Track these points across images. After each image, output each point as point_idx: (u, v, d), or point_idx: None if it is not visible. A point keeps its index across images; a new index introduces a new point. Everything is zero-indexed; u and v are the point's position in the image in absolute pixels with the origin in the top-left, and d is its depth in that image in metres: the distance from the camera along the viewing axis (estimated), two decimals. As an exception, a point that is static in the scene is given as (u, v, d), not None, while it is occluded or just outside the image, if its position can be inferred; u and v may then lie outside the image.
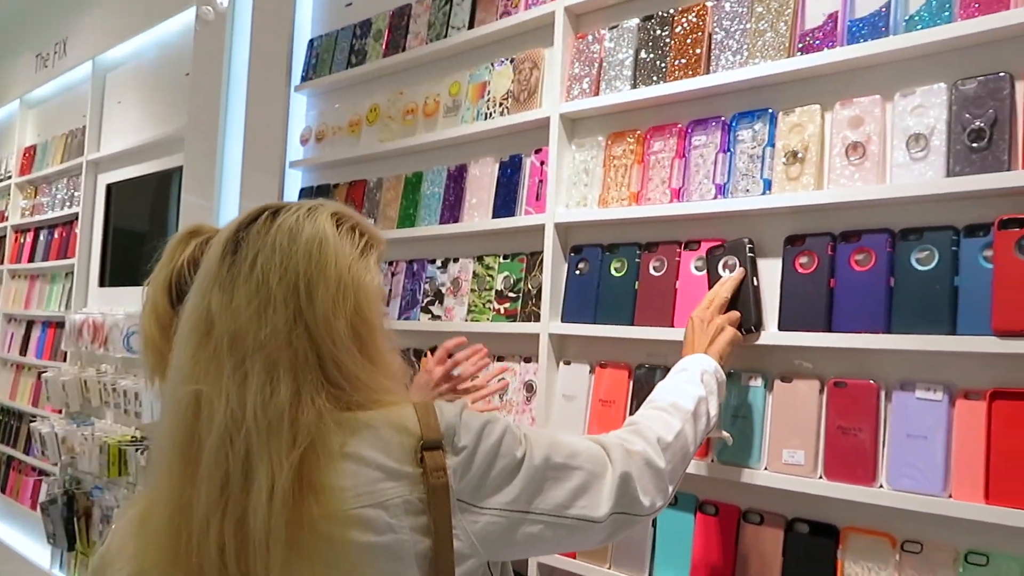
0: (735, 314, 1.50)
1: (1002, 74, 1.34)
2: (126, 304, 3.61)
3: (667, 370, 1.69)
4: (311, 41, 2.83)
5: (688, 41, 1.74)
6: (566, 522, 0.97)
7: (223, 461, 0.83)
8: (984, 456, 1.29)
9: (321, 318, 0.87)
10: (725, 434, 1.51)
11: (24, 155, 4.89)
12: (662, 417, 1.22)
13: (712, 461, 1.60)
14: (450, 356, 1.67)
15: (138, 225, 3.93)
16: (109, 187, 4.05)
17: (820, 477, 1.46)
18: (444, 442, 0.89)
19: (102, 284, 4.01)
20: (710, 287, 1.59)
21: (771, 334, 1.54)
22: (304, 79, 2.80)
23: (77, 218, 4.16)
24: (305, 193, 2.73)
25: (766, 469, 1.53)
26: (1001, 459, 1.27)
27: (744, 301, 1.54)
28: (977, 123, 1.35)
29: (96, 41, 4.17)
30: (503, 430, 0.95)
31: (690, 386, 1.30)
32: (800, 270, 1.53)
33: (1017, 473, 1.25)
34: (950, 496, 1.32)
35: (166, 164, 3.65)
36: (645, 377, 1.74)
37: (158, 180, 3.72)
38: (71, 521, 3.63)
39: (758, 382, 1.57)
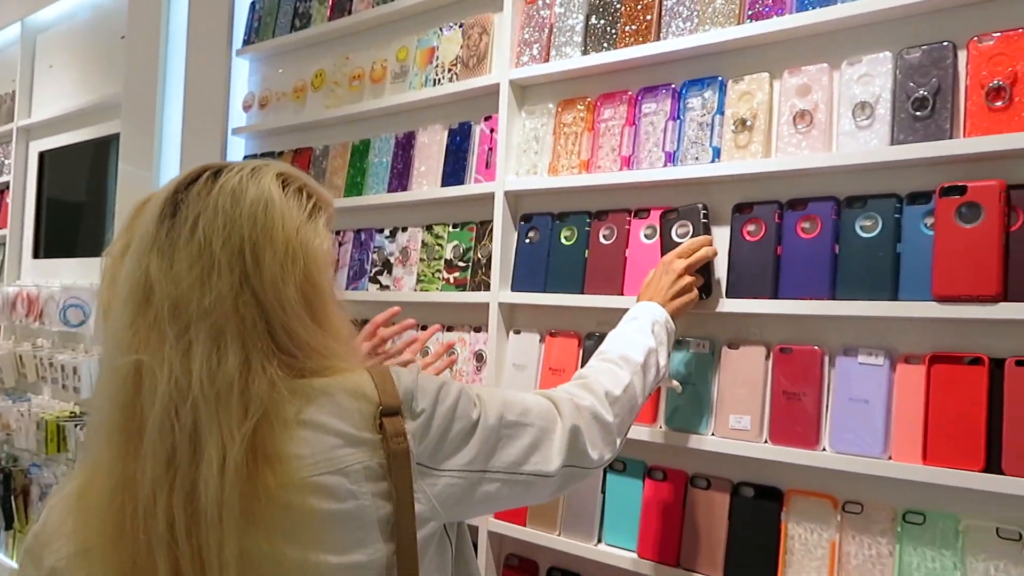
0: (702, 279, 1.50)
1: (945, 43, 1.36)
2: (63, 276, 3.48)
3: (617, 338, 1.70)
4: (253, 3, 2.74)
5: (639, 7, 1.73)
6: (521, 478, 0.98)
7: (168, 433, 0.79)
8: (922, 419, 1.32)
9: (269, 284, 0.84)
10: (675, 383, 1.52)
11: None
12: (611, 370, 1.23)
13: (661, 427, 1.61)
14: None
15: (75, 195, 3.78)
16: (42, 155, 3.88)
17: (765, 441, 1.48)
18: (403, 407, 0.88)
19: (36, 256, 3.85)
20: (663, 253, 1.59)
21: (719, 301, 1.55)
22: (246, 43, 2.71)
23: (8, 187, 3.98)
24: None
25: (713, 435, 1.55)
26: (938, 421, 1.31)
27: (701, 268, 1.55)
28: (921, 92, 1.36)
29: (24, 1, 3.96)
30: (458, 393, 0.95)
31: (640, 336, 1.31)
32: (748, 238, 1.54)
33: (952, 434, 1.29)
34: (890, 458, 1.35)
35: (103, 131, 3.50)
36: (595, 346, 1.73)
37: (95, 148, 3.57)
38: (8, 500, 3.52)
39: (706, 349, 1.59)
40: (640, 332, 1.32)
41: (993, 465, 1.25)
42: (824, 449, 1.42)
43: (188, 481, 0.78)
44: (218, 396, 0.79)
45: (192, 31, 2.91)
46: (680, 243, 1.53)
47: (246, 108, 2.67)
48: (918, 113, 1.36)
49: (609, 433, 1.13)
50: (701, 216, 1.56)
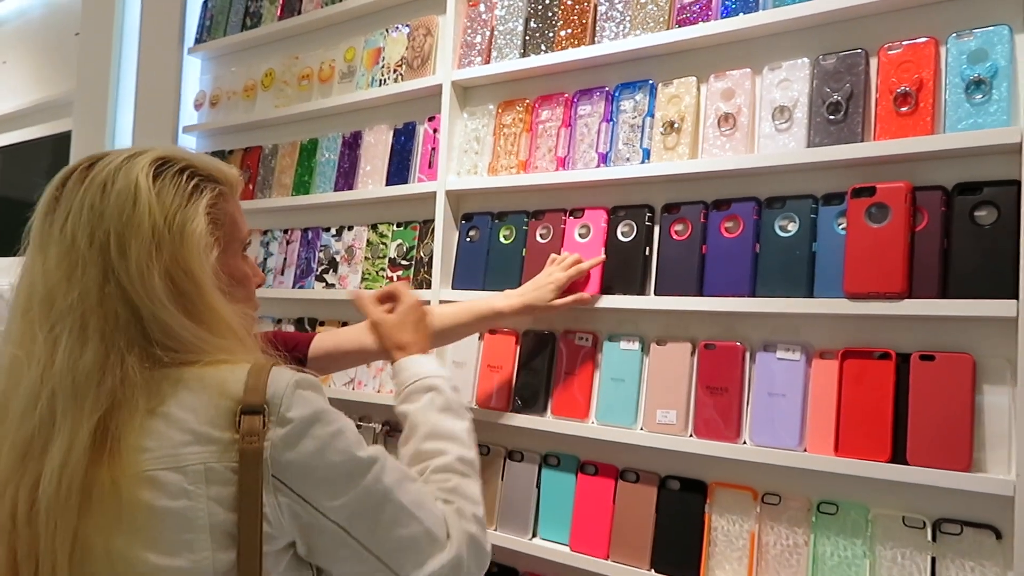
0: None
1: (858, 50, 1.41)
2: (11, 276, 3.44)
3: (553, 336, 1.74)
4: (205, 1, 2.74)
5: (574, 12, 1.76)
6: (380, 567, 0.90)
7: (27, 426, 0.80)
8: (835, 412, 1.37)
9: (135, 274, 0.83)
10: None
11: (-98, 117, 4.57)
12: (470, 487, 1.08)
13: (593, 423, 1.65)
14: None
15: (28, 194, 3.73)
16: (-5, 151, 3.84)
17: (690, 435, 1.52)
18: (268, 408, 0.82)
19: (-11, 254, 3.80)
20: (606, 248, 1.64)
21: (648, 299, 1.59)
22: (198, 41, 2.71)
23: (-40, 184, 3.93)
24: (199, 159, 2.65)
25: (642, 429, 1.58)
26: (849, 414, 1.35)
27: (632, 266, 1.60)
28: (835, 96, 1.41)
29: (-23, -4, 3.92)
30: (345, 426, 0.89)
31: (462, 423, 1.18)
32: (675, 237, 1.58)
33: (862, 427, 1.33)
34: (805, 450, 1.40)
35: (56, 128, 3.47)
36: (532, 343, 1.77)
37: (53, 144, 3.54)
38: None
39: (635, 345, 1.63)
40: (460, 416, 1.20)
41: (899, 456, 1.30)
42: (745, 442, 1.46)
43: (35, 471, 0.79)
44: (75, 388, 0.80)
45: (144, 29, 2.91)
46: (624, 242, 1.61)
47: (197, 106, 2.67)
48: (832, 117, 1.41)
49: (483, 558, 1.01)
50: (646, 218, 1.60)
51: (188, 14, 2.77)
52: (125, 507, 0.79)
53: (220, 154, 2.57)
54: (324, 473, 0.85)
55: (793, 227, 1.44)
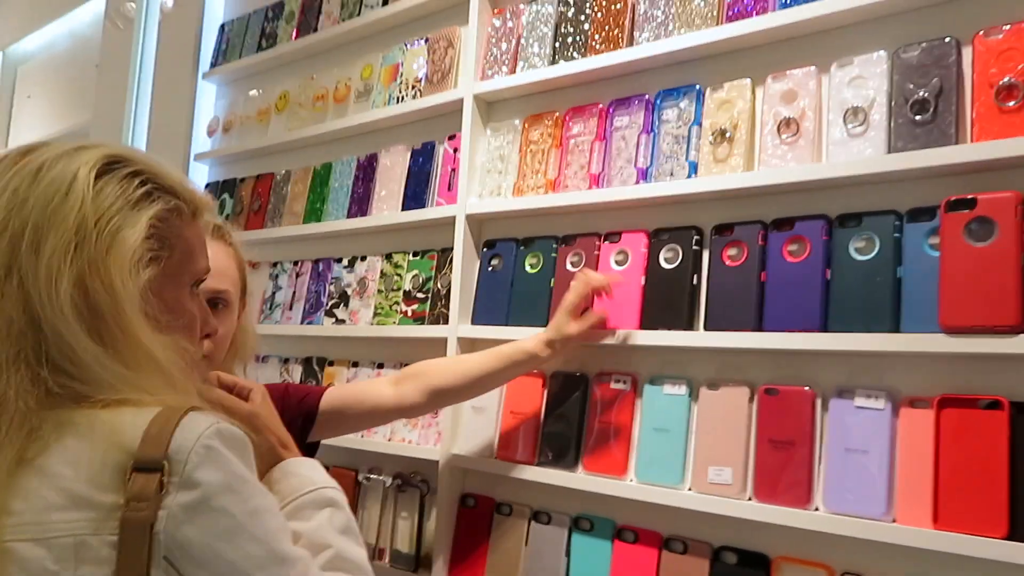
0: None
1: (947, 39, 1.18)
2: None
3: (586, 379, 1.51)
4: (222, 26, 2.62)
5: (610, 14, 1.57)
6: None
7: None
8: (932, 473, 1.11)
9: (43, 276, 0.67)
10: None
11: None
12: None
13: (631, 481, 1.40)
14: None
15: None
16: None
17: (750, 498, 1.27)
18: (170, 465, 0.64)
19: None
20: (647, 276, 1.44)
21: (696, 335, 1.36)
22: (213, 65, 2.59)
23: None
24: (210, 188, 2.50)
25: (690, 490, 1.34)
26: (951, 477, 1.10)
27: (677, 297, 1.37)
28: (921, 93, 1.19)
29: (5, 32, 3.90)
30: (269, 504, 0.70)
31: (362, 550, 0.89)
32: (729, 263, 1.35)
33: (968, 493, 1.08)
34: (894, 520, 1.14)
35: (76, 162, 3.39)
36: (562, 386, 1.54)
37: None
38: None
39: (682, 390, 1.39)
40: (359, 542, 0.90)
41: (1019, 531, 1.03)
42: (817, 509, 1.21)
43: None
44: None
45: (161, 56, 2.81)
46: (667, 269, 1.41)
47: (210, 133, 2.54)
48: (918, 117, 1.18)
49: None
50: (692, 241, 1.39)
51: (205, 40, 2.66)
52: None
53: (231, 183, 2.42)
54: (229, 567, 0.65)
55: (872, 249, 1.21)
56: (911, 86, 1.20)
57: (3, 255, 0.69)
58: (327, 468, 0.94)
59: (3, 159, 0.75)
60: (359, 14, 2.11)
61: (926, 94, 1.18)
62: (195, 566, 0.63)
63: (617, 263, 1.50)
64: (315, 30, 2.24)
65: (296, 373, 2.07)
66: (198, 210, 0.82)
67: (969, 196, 1.10)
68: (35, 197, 0.70)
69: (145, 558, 0.62)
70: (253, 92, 2.45)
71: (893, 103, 1.22)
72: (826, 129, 1.29)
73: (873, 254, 1.21)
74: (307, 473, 0.91)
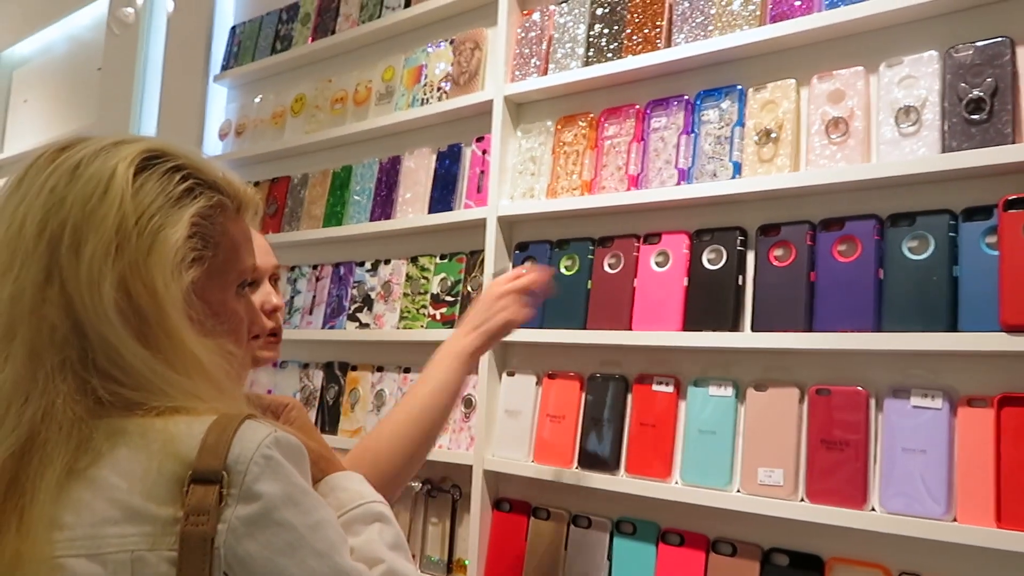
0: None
1: (1001, 38, 1.19)
2: None
3: (625, 381, 1.50)
4: (233, 28, 2.59)
5: (647, 13, 1.57)
6: None
7: None
8: (993, 472, 1.11)
9: (84, 279, 0.64)
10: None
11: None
12: None
13: (676, 483, 1.39)
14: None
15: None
16: (13, 192, 3.70)
17: (801, 500, 1.26)
18: (229, 477, 0.61)
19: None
20: (689, 277, 1.42)
21: (743, 336, 1.35)
22: (224, 68, 2.55)
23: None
24: (223, 192, 2.47)
25: (739, 491, 1.33)
26: (1013, 475, 1.09)
27: (722, 297, 1.36)
28: (975, 92, 1.19)
29: (1, 35, 3.83)
30: (328, 517, 0.68)
31: (414, 567, 0.89)
32: (775, 263, 1.35)
33: (1033, 491, 1.07)
34: (954, 520, 1.14)
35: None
36: (600, 389, 1.53)
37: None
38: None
39: (728, 391, 1.38)
40: (409, 557, 0.87)
41: (1085, 529, 1.03)
42: (873, 509, 1.20)
43: None
44: None
45: (169, 58, 2.77)
46: (711, 270, 1.37)
47: (222, 136, 2.50)
48: (974, 117, 1.18)
49: None
50: (737, 242, 1.38)
51: (215, 42, 2.62)
52: None
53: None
54: None
55: (927, 248, 1.21)
56: (964, 85, 1.20)
57: (43, 257, 0.66)
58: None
59: (40, 156, 0.72)
60: (380, 16, 2.09)
61: (981, 93, 1.18)
62: None
63: (657, 264, 1.49)
64: (333, 32, 2.22)
65: (317, 378, 2.04)
66: (243, 205, 0.78)
67: (1028, 194, 1.11)
68: (73, 195, 0.67)
69: (206, 574, 0.60)
70: (258, 98, 2.41)
71: (946, 102, 1.22)
72: (876, 129, 1.29)
73: (928, 253, 1.20)
74: (355, 487, 0.87)
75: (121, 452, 0.63)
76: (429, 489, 1.76)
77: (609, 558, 1.48)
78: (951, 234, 1.19)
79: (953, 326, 1.16)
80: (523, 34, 1.77)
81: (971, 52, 1.21)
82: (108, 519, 0.61)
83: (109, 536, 0.60)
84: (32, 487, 0.60)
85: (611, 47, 1.61)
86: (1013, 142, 1.15)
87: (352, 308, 1.99)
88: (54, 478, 0.61)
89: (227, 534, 0.60)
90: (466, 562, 1.66)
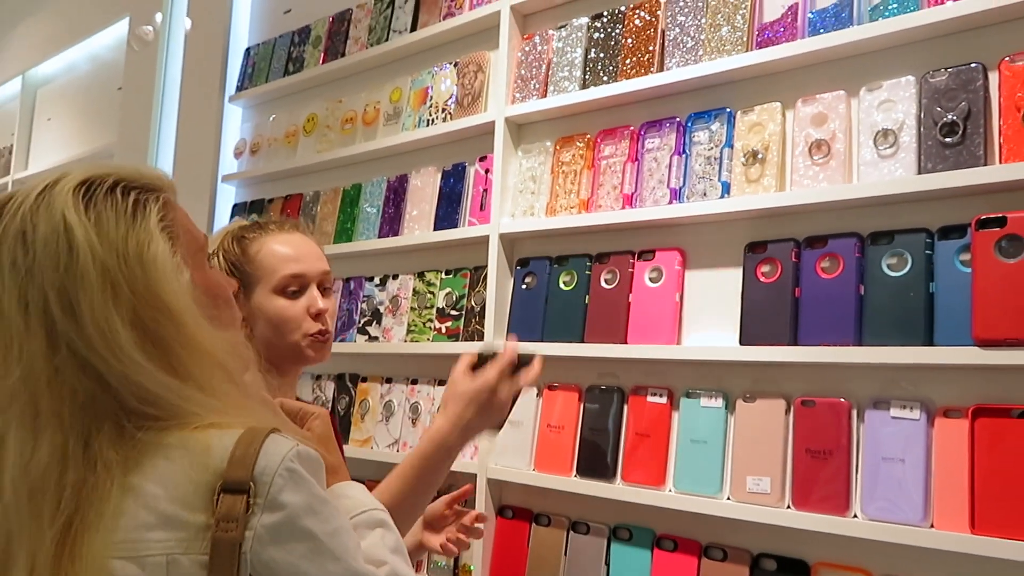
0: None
1: (974, 64, 1.24)
2: None
3: (621, 392, 1.56)
4: (248, 50, 2.68)
5: (640, 39, 1.63)
6: None
7: None
8: (968, 480, 1.16)
9: (94, 333, 0.66)
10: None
11: (-50, 176, 4.62)
12: None
13: (670, 491, 1.45)
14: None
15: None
16: (37, 208, 3.81)
17: (788, 507, 1.32)
18: (255, 487, 0.65)
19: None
20: (681, 291, 1.47)
21: (732, 349, 1.41)
22: (239, 88, 2.64)
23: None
24: (238, 209, 2.56)
25: (729, 499, 1.38)
26: (987, 483, 1.14)
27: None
28: (949, 116, 1.24)
29: (25, 55, 3.95)
30: (345, 525, 0.72)
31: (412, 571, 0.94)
32: (762, 279, 1.40)
33: (1005, 499, 1.12)
34: (931, 526, 1.19)
35: (97, 183, 3.44)
36: (598, 400, 1.59)
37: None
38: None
39: (718, 402, 1.44)
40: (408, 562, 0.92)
41: (1054, 535, 1.08)
42: (855, 516, 1.26)
43: None
44: (31, 496, 0.64)
45: (186, 79, 2.86)
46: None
47: (237, 155, 2.59)
48: (947, 139, 1.24)
49: None
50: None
51: (230, 63, 2.72)
52: None
53: (259, 203, 2.47)
54: None
55: (904, 265, 1.26)
56: (939, 109, 1.26)
57: (38, 330, 0.67)
58: (362, 482, 0.97)
59: None
60: (387, 39, 2.17)
61: (955, 117, 1.24)
62: None
63: (651, 280, 1.55)
64: (343, 55, 2.30)
65: (328, 390, 2.11)
66: (174, 190, 0.80)
67: (999, 214, 1.16)
68: (38, 265, 0.67)
69: (233, 573, 0.64)
70: (271, 118, 2.50)
71: (922, 126, 1.27)
72: (856, 151, 1.34)
73: (906, 270, 1.26)
74: (357, 495, 0.92)
75: (160, 463, 0.67)
76: (435, 496, 1.82)
77: (607, 563, 1.53)
78: (927, 252, 1.25)
79: (930, 340, 1.21)
80: (523, 57, 1.84)
81: (945, 77, 1.26)
82: (145, 524, 0.65)
83: (147, 540, 0.64)
84: (87, 527, 0.64)
85: (607, 70, 1.68)
86: (985, 164, 1.20)
87: (362, 321, 2.07)
88: (107, 518, 0.65)
89: (253, 540, 0.64)
90: (471, 567, 1.72)
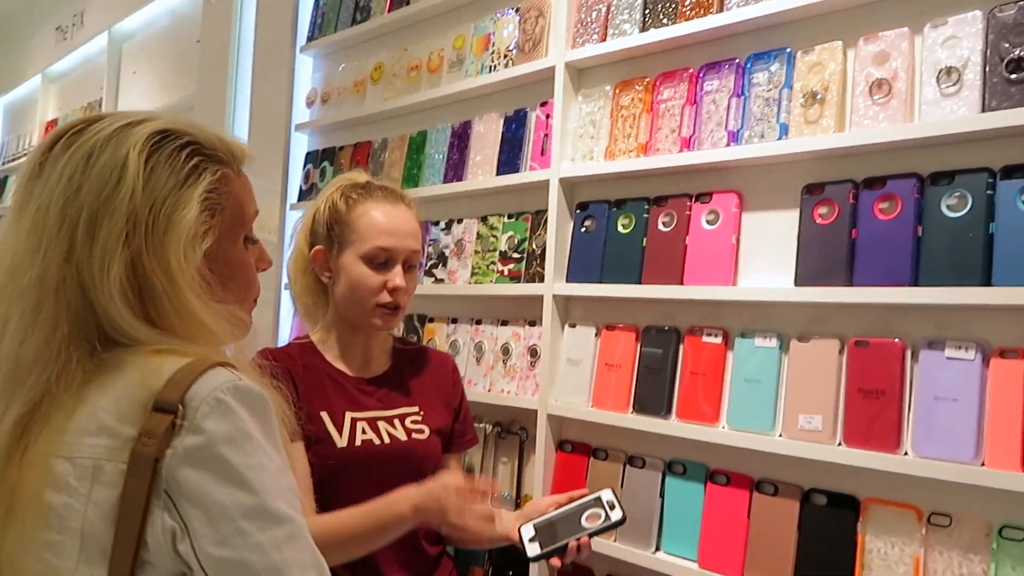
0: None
1: (1046, -4, 1.20)
2: None
3: (677, 332, 1.60)
4: (317, 1, 2.74)
5: (700, -22, 1.62)
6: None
7: None
8: (1022, 420, 1.17)
9: (96, 262, 0.72)
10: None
11: (46, 130, 4.89)
12: None
13: (723, 427, 1.49)
14: None
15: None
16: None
17: (839, 444, 1.35)
18: (184, 410, 0.68)
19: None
20: (737, 233, 1.48)
21: (787, 290, 1.42)
22: (309, 39, 2.72)
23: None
24: (311, 157, 2.65)
25: (781, 436, 1.42)
26: (1040, 423, 1.15)
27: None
28: (1017, 52, 1.21)
29: (111, 11, 4.12)
30: (272, 465, 0.71)
31: None
32: (819, 221, 1.41)
33: (1057, 438, 1.13)
34: (983, 464, 1.20)
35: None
36: (654, 340, 1.63)
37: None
38: None
39: (772, 342, 1.46)
40: None
41: (1106, 474, 1.09)
42: (906, 453, 1.28)
43: None
44: (11, 374, 0.72)
45: (260, 31, 2.95)
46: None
47: (309, 104, 2.68)
48: (1013, 76, 1.21)
49: None
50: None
51: (301, 14, 2.79)
52: (21, 496, 0.70)
53: (331, 151, 2.56)
54: (219, 509, 0.67)
55: (964, 206, 1.25)
56: (1007, 45, 1.23)
57: (64, 241, 0.72)
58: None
59: (56, 140, 0.77)
60: (451, -15, 2.19)
61: (1022, 53, 1.20)
62: (189, 503, 0.68)
63: (708, 222, 1.57)
64: (407, 3, 2.33)
65: (398, 330, 2.21)
66: (240, 163, 0.84)
67: (1064, 153, 1.14)
68: (88, 184, 0.73)
69: (147, 488, 0.67)
70: (341, 67, 2.57)
71: (988, 63, 1.24)
72: (919, 89, 1.32)
73: (965, 211, 1.25)
74: None
75: (115, 377, 0.72)
76: (499, 432, 1.92)
77: (661, 495, 1.60)
78: (988, 192, 1.23)
79: (987, 281, 1.21)
80: (584, 1, 1.84)
81: (1015, 11, 1.22)
82: (86, 430, 0.70)
83: (82, 444, 0.70)
84: (38, 429, 0.71)
85: (667, 12, 1.67)
86: (1052, 101, 1.17)
87: (428, 265, 2.15)
88: (64, 407, 0.71)
89: (170, 458, 0.67)
90: (533, 497, 1.81)
